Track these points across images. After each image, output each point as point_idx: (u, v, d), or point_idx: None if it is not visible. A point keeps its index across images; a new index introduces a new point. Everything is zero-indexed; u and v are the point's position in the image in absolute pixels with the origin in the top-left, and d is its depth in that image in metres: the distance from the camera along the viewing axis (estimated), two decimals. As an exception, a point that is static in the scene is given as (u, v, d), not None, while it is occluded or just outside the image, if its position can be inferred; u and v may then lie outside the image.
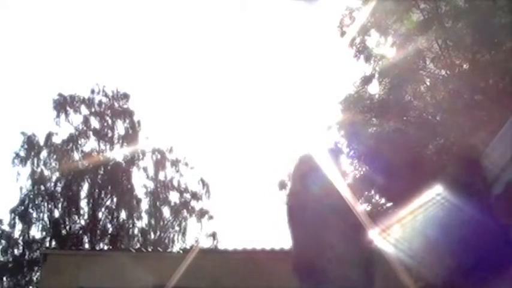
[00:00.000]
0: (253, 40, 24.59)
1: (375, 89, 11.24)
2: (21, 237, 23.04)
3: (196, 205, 24.07)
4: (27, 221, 23.00)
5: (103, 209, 23.70)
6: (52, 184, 23.42)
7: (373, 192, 12.12)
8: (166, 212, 24.41)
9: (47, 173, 23.50)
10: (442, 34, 9.83)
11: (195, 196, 24.11)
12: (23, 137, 23.37)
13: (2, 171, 29.41)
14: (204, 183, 24.16)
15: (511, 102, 8.02)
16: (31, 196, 23.04)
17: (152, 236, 24.20)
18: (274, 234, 11.66)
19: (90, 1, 26.56)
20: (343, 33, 11.29)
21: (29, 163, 23.23)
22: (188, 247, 21.75)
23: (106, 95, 24.24)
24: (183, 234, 24.13)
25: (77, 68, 30.48)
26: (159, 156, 24.28)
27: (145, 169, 24.10)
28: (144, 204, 24.16)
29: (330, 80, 12.95)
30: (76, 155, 23.65)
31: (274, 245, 9.34)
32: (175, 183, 24.30)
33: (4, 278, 22.64)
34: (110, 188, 23.56)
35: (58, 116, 23.49)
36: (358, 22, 10.86)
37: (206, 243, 22.64)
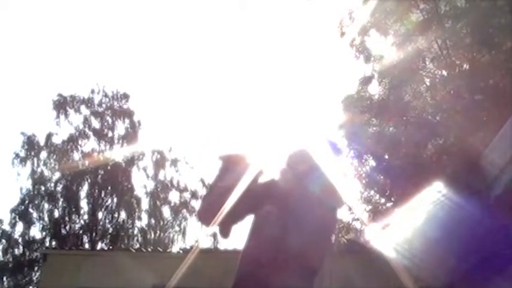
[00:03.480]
0: (252, 40, 24.61)
1: (374, 89, 11.24)
2: (21, 237, 23.06)
3: (196, 204, 24.07)
4: (27, 221, 23.01)
5: (103, 209, 23.72)
6: (52, 184, 23.43)
7: (373, 192, 12.14)
8: (166, 211, 24.44)
9: (47, 173, 23.52)
10: (442, 34, 9.83)
11: (194, 195, 24.12)
12: (23, 137, 23.40)
13: (2, 171, 29.49)
14: (204, 183, 24.16)
15: (511, 102, 8.01)
16: (31, 196, 23.06)
17: (152, 236, 24.22)
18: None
19: (90, 1, 26.59)
20: (342, 34, 11.28)
21: (29, 163, 23.25)
22: (188, 247, 21.74)
23: (106, 95, 24.26)
24: (183, 234, 24.15)
25: (77, 68, 30.57)
26: (158, 156, 24.30)
27: (145, 169, 24.13)
28: (144, 204, 24.18)
29: (330, 80, 12.94)
30: (76, 155, 23.67)
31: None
32: (175, 183, 24.32)
33: (4, 278, 22.66)
34: (110, 188, 23.57)
35: (58, 116, 23.51)
36: (357, 22, 10.85)
37: (206, 243, 22.65)
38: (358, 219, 12.41)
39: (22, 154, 23.26)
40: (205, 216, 2.55)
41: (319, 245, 2.44)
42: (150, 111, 28.02)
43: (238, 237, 2.58)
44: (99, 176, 23.53)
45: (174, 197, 24.34)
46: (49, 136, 23.55)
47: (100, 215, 23.65)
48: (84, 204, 23.66)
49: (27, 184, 23.15)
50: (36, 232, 23.15)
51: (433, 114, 10.66)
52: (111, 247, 22.19)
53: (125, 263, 9.65)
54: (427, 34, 9.80)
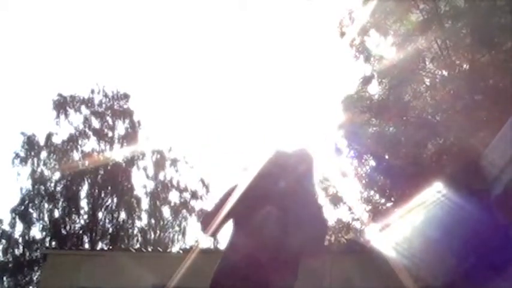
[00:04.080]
0: (252, 40, 24.64)
1: (374, 89, 11.24)
2: (21, 237, 23.06)
3: (196, 204, 24.10)
4: (27, 221, 23.01)
5: (103, 209, 23.72)
6: (52, 184, 23.44)
7: (373, 192, 12.14)
8: (166, 211, 24.44)
9: (47, 173, 23.53)
10: (442, 34, 9.82)
11: (194, 195, 24.13)
12: (23, 137, 23.41)
13: (2, 171, 29.49)
14: (203, 183, 24.18)
15: (511, 102, 8.01)
16: (31, 196, 23.06)
17: (152, 236, 24.22)
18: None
19: (90, 1, 26.59)
20: (342, 34, 11.28)
21: (29, 163, 23.25)
22: (188, 247, 21.74)
23: (106, 95, 24.27)
24: (183, 234, 24.16)
25: (77, 68, 30.57)
26: (158, 156, 24.30)
27: (145, 169, 24.13)
28: (144, 204, 24.19)
29: (330, 80, 12.95)
30: (76, 155, 23.68)
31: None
32: (174, 183, 24.32)
33: (4, 278, 22.66)
34: (110, 188, 23.57)
35: (58, 116, 23.51)
36: (357, 22, 10.85)
37: (206, 243, 22.60)
38: (358, 219, 12.43)
39: (22, 154, 23.28)
40: (206, 222, 2.56)
41: (318, 243, 2.45)
42: (150, 111, 28.04)
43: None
44: (99, 176, 23.53)
45: (174, 197, 24.37)
46: (49, 136, 23.56)
47: (100, 215, 23.66)
48: (84, 204, 23.69)
49: (27, 184, 23.18)
50: (36, 232, 23.17)
51: (433, 114, 10.65)
52: (111, 247, 22.18)
53: (125, 263, 9.64)
54: (427, 34, 9.80)
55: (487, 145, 5.95)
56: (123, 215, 23.90)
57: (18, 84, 28.11)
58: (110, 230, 23.70)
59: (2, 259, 22.69)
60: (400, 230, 6.43)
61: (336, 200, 11.63)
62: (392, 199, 11.17)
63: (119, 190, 23.51)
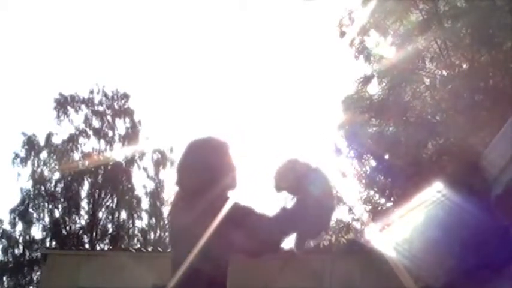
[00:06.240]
0: (252, 40, 24.64)
1: (374, 89, 11.23)
2: (21, 237, 23.09)
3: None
4: (27, 221, 23.04)
5: (103, 209, 23.73)
6: (52, 184, 23.46)
7: (373, 192, 12.13)
8: (166, 211, 24.43)
9: (47, 173, 23.55)
10: (442, 34, 9.81)
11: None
12: (23, 137, 23.44)
13: (2, 171, 29.53)
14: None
15: (511, 102, 8.00)
16: (31, 196, 23.07)
17: (152, 236, 24.22)
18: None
19: (90, 1, 26.61)
20: (342, 34, 11.28)
21: (29, 163, 23.29)
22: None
23: (106, 95, 24.29)
24: (183, 234, 24.16)
25: (77, 68, 30.60)
26: (159, 156, 24.31)
27: (145, 169, 24.13)
28: (144, 204, 24.20)
29: (330, 81, 12.96)
30: (76, 155, 23.71)
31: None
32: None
33: (4, 278, 22.68)
34: (110, 188, 23.60)
35: (58, 116, 23.55)
36: (357, 22, 10.86)
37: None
38: (358, 219, 12.42)
39: (22, 154, 23.33)
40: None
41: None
42: (151, 111, 28.06)
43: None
44: (99, 176, 23.55)
45: (174, 197, 24.35)
46: (49, 136, 23.58)
47: (100, 215, 23.68)
48: (84, 204, 23.72)
49: (27, 184, 23.22)
50: (36, 232, 23.20)
51: (433, 114, 10.64)
52: (111, 247, 22.20)
53: (125, 263, 9.65)
54: (427, 34, 9.78)
55: (487, 145, 5.95)
56: (123, 215, 23.95)
57: (18, 84, 28.15)
58: (110, 230, 23.73)
59: (2, 259, 22.72)
60: (400, 230, 6.42)
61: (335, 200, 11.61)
62: (392, 199, 11.15)
63: (119, 190, 23.53)
